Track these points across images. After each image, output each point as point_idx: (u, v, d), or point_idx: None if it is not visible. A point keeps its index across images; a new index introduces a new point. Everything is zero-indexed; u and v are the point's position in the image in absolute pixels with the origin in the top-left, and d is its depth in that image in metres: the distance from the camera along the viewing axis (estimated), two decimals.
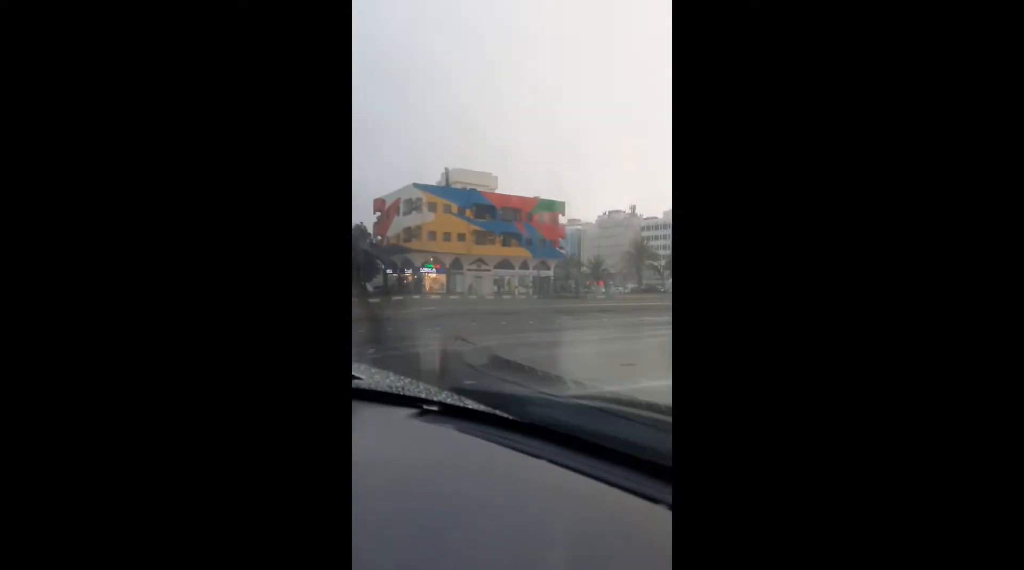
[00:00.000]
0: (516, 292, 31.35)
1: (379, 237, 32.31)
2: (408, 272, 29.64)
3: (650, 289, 36.89)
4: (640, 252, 43.10)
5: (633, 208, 68.20)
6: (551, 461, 0.70)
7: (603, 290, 35.36)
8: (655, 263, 43.37)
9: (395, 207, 31.14)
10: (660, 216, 61.13)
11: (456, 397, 0.97)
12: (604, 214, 70.47)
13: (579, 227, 52.34)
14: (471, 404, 0.93)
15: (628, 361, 6.33)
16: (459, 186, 32.38)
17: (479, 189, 32.49)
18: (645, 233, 59.24)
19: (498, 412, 0.87)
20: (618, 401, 0.81)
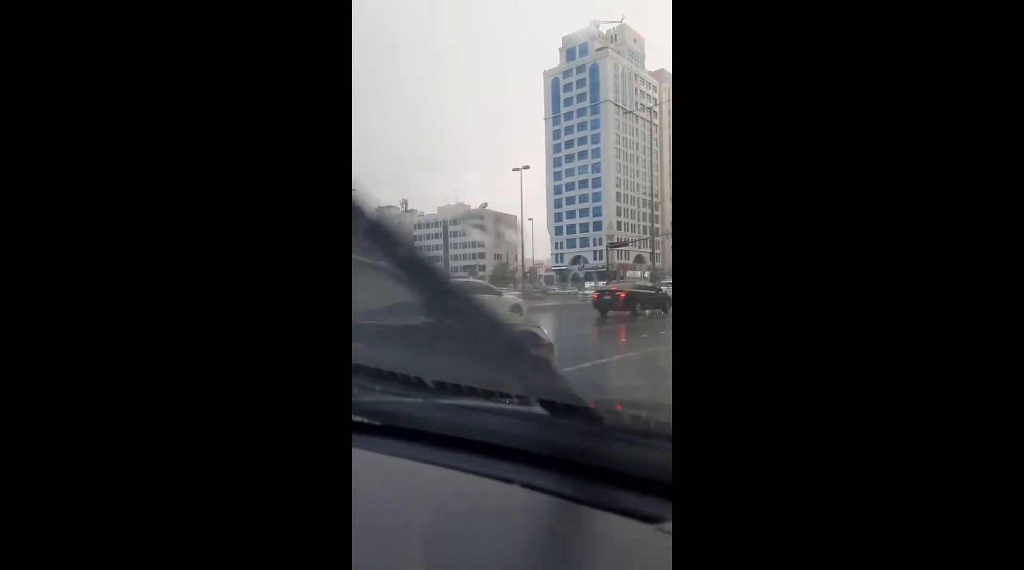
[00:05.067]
0: None
1: None
2: None
3: None
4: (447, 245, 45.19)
5: (405, 203, 71.49)
6: (492, 476, 0.66)
7: None
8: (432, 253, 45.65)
9: None
10: (434, 212, 65.28)
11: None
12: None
13: None
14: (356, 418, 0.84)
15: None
16: None
17: None
18: (418, 231, 61.27)
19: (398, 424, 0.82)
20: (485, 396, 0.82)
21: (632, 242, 52.39)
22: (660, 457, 0.58)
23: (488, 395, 0.87)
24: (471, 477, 0.67)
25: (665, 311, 14.31)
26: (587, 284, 34.57)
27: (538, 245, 73.45)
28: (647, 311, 13.82)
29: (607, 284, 17.93)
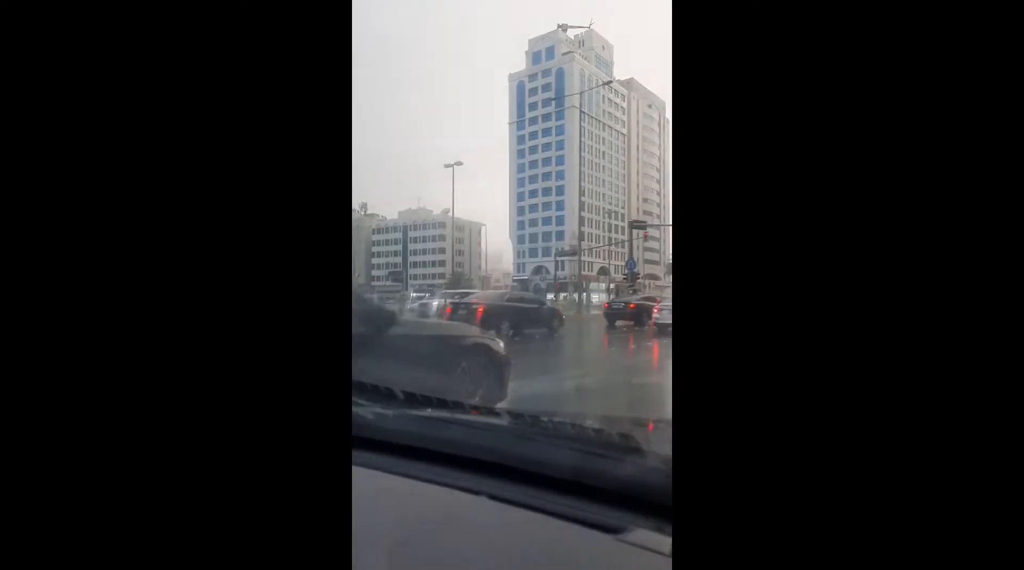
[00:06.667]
0: None
1: None
2: None
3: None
4: (368, 251, 43.90)
5: (365, 206, 70.88)
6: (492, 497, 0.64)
7: None
8: (388, 261, 44.26)
9: None
10: (395, 217, 63.91)
11: None
12: None
13: None
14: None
15: None
16: None
17: None
18: (377, 235, 59.63)
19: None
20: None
21: (584, 252, 50.20)
22: (623, 468, 0.62)
23: (457, 407, 0.88)
24: (438, 489, 0.67)
25: (551, 329, 11.81)
26: (548, 296, 32.17)
27: (504, 254, 71.24)
28: (528, 330, 11.24)
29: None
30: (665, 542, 0.50)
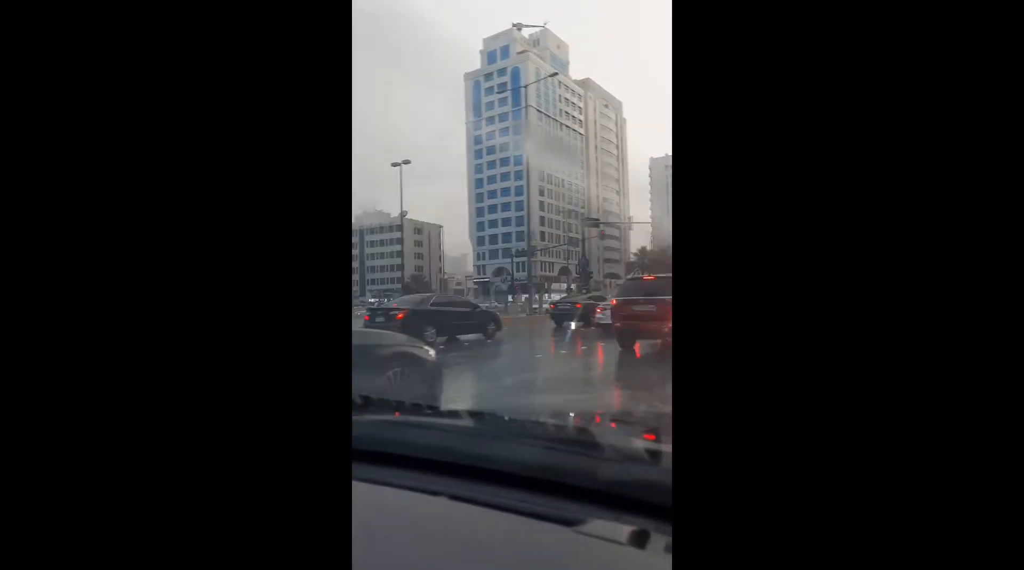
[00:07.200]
0: None
1: None
2: None
3: None
4: None
5: None
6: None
7: None
8: None
9: None
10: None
11: None
12: None
13: None
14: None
15: None
16: None
17: None
18: None
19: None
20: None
21: (543, 252, 49.66)
22: (579, 462, 0.64)
23: (416, 409, 0.88)
24: (397, 491, 0.67)
25: (487, 335, 10.91)
26: (509, 298, 31.31)
27: (468, 256, 69.99)
28: (460, 336, 10.30)
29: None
30: (621, 530, 0.51)
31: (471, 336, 10.65)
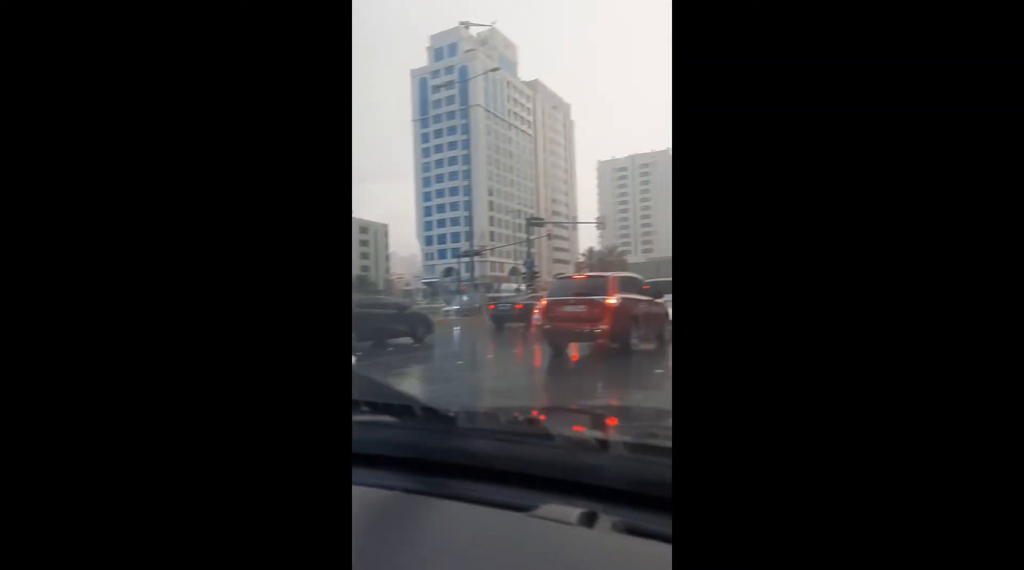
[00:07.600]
0: None
1: None
2: None
3: None
4: None
5: None
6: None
7: None
8: None
9: None
10: None
11: None
12: None
13: None
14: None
15: None
16: None
17: None
18: None
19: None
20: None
21: (492, 251, 49.08)
22: (530, 452, 0.68)
23: (375, 408, 0.88)
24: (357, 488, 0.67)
25: (416, 338, 10.09)
26: (464, 297, 30.25)
27: (417, 256, 68.25)
28: (386, 340, 9.43)
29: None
30: (571, 513, 0.54)
31: (398, 340, 9.79)
